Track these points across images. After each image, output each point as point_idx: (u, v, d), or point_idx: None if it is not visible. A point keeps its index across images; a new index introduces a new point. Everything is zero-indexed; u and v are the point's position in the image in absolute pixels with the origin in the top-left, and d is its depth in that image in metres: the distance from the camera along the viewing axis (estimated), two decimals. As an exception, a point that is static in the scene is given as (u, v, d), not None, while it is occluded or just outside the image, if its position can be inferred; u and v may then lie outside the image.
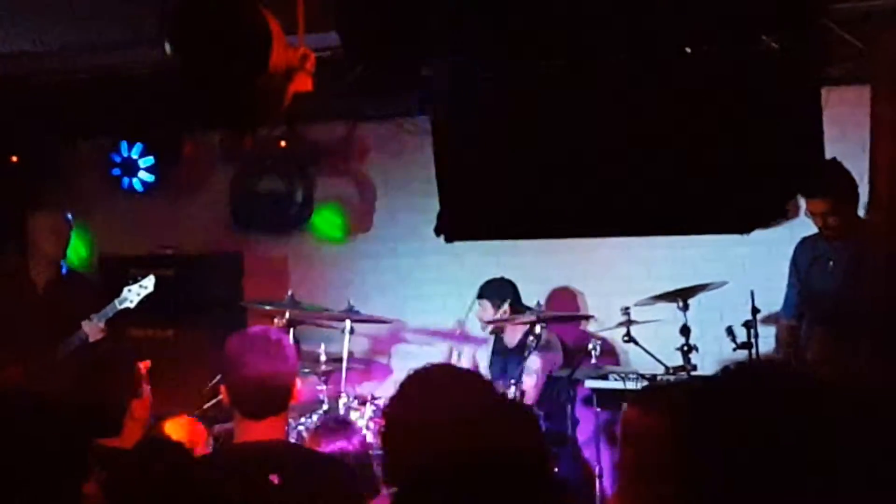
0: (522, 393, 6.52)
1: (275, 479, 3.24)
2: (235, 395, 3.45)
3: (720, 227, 3.66)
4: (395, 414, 2.88)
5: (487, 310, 7.03)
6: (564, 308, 7.40)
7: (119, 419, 3.60)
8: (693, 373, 6.05)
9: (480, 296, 7.05)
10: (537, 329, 6.49)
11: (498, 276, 7.07)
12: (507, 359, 7.01)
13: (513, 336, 7.05)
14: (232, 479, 3.27)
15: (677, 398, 2.78)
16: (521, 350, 6.85)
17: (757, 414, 1.63)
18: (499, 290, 7.02)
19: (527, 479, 2.69)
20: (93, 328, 6.08)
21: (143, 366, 4.25)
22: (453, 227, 3.57)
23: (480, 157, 3.51)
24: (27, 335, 6.06)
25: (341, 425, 5.56)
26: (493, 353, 7.20)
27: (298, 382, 3.57)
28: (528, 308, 6.90)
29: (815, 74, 3.44)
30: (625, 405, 3.02)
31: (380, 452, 5.57)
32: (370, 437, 6.03)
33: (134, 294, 6.26)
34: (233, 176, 7.88)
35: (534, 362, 6.73)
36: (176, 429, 4.12)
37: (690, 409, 1.72)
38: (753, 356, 5.96)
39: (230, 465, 3.39)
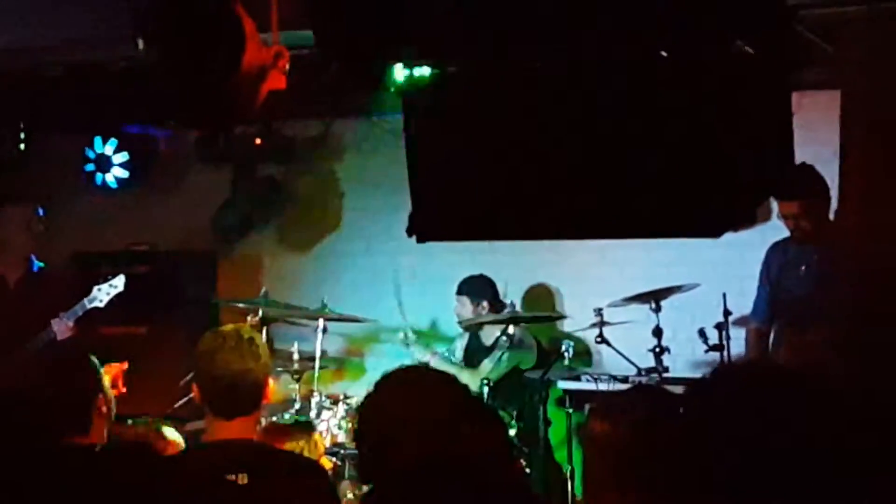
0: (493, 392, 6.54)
1: (243, 478, 3.23)
2: (206, 394, 3.44)
3: (691, 230, 3.68)
4: (367, 415, 2.89)
5: (466, 306, 7.02)
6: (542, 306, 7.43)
7: (85, 416, 3.59)
8: (665, 374, 6.08)
9: (459, 292, 7.04)
10: (510, 329, 6.50)
11: (476, 273, 7.07)
12: (481, 357, 7.01)
13: (490, 334, 7.05)
14: (199, 478, 3.27)
15: (640, 406, 2.79)
16: (494, 349, 6.86)
17: (720, 417, 1.64)
18: (479, 288, 7.02)
19: (494, 478, 2.71)
20: (61, 327, 6.04)
21: (121, 366, 4.24)
22: (425, 227, 3.58)
23: (452, 158, 3.52)
24: (-4, 333, 6.02)
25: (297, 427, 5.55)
26: (467, 349, 7.19)
27: (271, 382, 3.56)
28: (505, 305, 6.92)
29: (786, 78, 3.46)
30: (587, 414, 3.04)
31: (352, 451, 5.62)
32: (342, 437, 6.04)
33: (104, 293, 6.23)
34: (203, 173, 7.88)
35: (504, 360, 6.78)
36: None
37: (654, 416, 1.74)
38: (724, 358, 6.00)
39: (198, 464, 3.38)
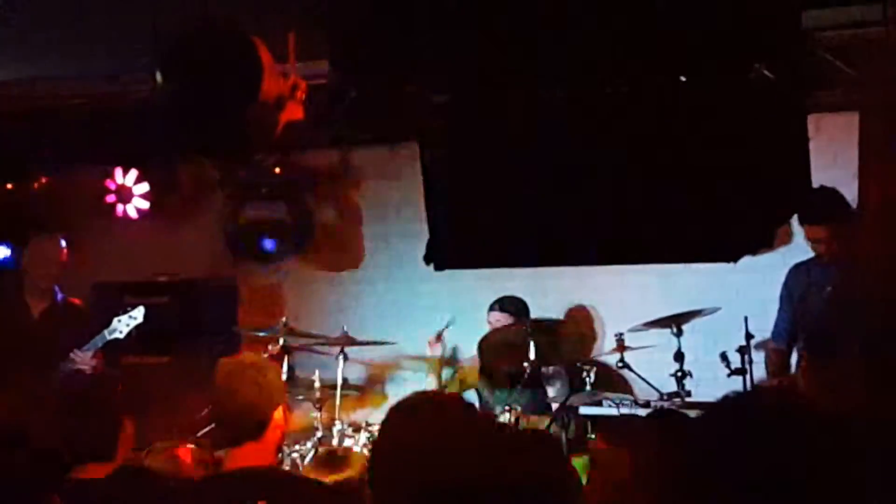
0: (517, 420, 6.49)
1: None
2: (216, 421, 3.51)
3: (708, 255, 3.68)
4: (380, 446, 2.87)
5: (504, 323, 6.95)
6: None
7: (110, 449, 3.62)
8: (687, 399, 6.05)
9: (502, 308, 6.93)
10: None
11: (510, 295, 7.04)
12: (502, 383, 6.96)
13: None
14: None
15: (642, 430, 2.78)
16: (515, 379, 6.79)
17: (719, 444, 1.64)
18: (522, 307, 6.96)
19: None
20: (82, 358, 6.08)
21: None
22: (442, 255, 3.59)
23: (467, 185, 3.53)
24: (20, 362, 6.05)
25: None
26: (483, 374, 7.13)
27: (279, 412, 3.55)
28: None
29: (804, 101, 3.46)
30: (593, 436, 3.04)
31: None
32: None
33: (123, 325, 6.27)
34: (223, 203, 7.92)
35: (554, 392, 6.75)
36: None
37: (655, 440, 1.74)
38: (747, 381, 5.96)
39: (216, 491, 3.39)
